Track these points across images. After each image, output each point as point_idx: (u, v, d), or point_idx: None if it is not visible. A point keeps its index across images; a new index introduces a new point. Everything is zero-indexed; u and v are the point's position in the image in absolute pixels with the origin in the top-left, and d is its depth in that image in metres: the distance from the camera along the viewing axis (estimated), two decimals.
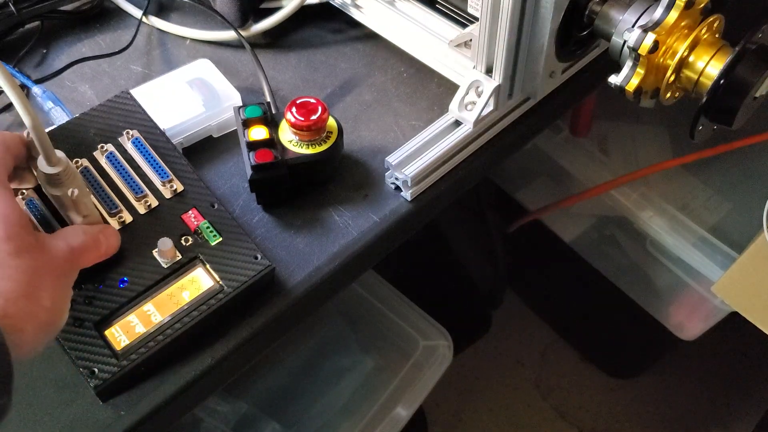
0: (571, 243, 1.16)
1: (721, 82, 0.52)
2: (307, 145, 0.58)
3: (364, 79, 0.69)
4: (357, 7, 0.69)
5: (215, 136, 0.64)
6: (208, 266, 0.52)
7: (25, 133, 0.46)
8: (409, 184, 0.59)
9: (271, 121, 0.59)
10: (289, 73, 0.69)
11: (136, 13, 0.72)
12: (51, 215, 0.50)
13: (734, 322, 0.92)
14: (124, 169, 0.55)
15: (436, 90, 0.68)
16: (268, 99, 0.64)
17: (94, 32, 0.72)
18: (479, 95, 0.60)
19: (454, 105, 0.61)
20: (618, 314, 1.22)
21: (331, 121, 0.59)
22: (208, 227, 0.54)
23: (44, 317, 0.42)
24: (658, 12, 0.52)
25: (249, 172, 0.57)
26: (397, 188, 0.61)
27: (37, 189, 0.50)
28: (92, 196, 0.52)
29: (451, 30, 0.64)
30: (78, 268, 0.46)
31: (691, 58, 0.53)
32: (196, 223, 0.54)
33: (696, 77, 0.54)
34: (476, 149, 0.63)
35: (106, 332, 0.50)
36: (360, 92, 0.68)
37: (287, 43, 0.71)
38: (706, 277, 0.96)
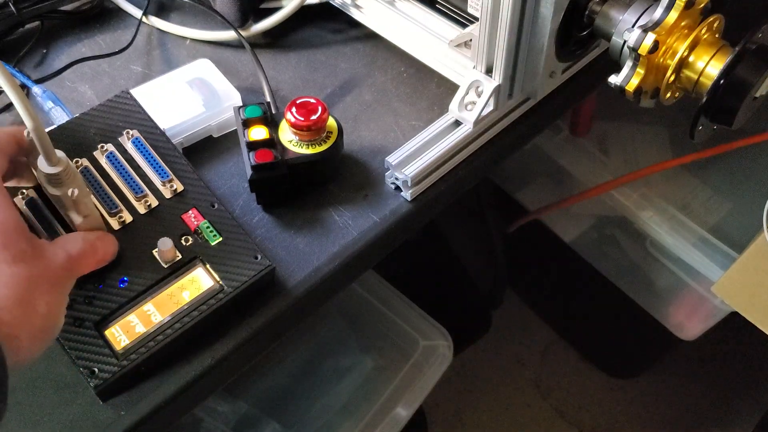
0: (571, 243, 1.16)
1: (721, 82, 0.52)
2: (307, 145, 0.58)
3: (364, 79, 0.69)
4: (357, 7, 0.69)
5: (215, 136, 0.64)
6: (208, 266, 0.52)
7: (25, 133, 0.45)
8: (409, 184, 0.59)
9: (271, 121, 0.59)
10: (289, 73, 0.69)
11: (136, 13, 0.72)
12: (51, 215, 0.51)
13: (734, 322, 0.92)
14: (124, 168, 0.55)
15: (436, 90, 0.68)
16: (268, 99, 0.64)
17: (94, 32, 0.72)
18: (479, 95, 0.60)
19: (454, 105, 0.61)
20: (618, 314, 1.22)
21: (331, 121, 0.59)
22: (208, 227, 0.54)
23: (40, 324, 0.42)
24: (658, 12, 0.52)
25: (249, 172, 0.57)
26: (397, 188, 0.61)
27: (37, 189, 0.51)
28: (92, 196, 0.52)
29: (451, 30, 0.64)
30: (75, 276, 0.46)
31: (691, 58, 0.53)
32: (196, 223, 0.54)
33: (696, 77, 0.54)
34: (476, 149, 0.63)
35: (106, 332, 0.50)
36: (360, 92, 0.68)
37: (287, 43, 0.71)
38: (706, 277, 0.96)
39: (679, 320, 1.09)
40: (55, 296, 0.43)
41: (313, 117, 0.57)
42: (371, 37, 0.71)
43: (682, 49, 0.53)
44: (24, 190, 0.52)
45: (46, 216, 0.51)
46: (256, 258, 0.53)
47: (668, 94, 0.56)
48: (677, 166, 1.01)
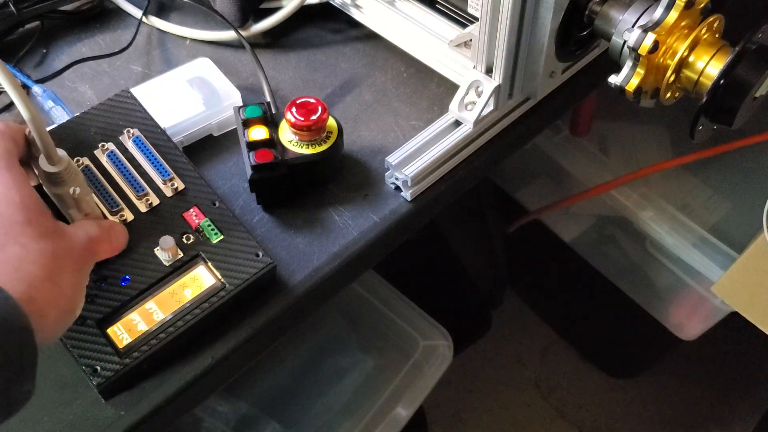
0: (571, 243, 1.16)
1: (721, 82, 0.52)
2: (307, 145, 0.58)
3: (364, 79, 0.69)
4: (357, 7, 0.69)
5: (215, 134, 0.64)
6: (209, 264, 0.52)
7: (26, 132, 0.46)
8: (409, 184, 0.59)
9: (271, 121, 0.59)
10: (289, 73, 0.69)
11: (136, 13, 0.72)
12: (54, 215, 0.51)
13: (734, 322, 0.92)
14: (125, 167, 0.55)
15: (436, 90, 0.68)
16: (268, 99, 0.64)
17: (94, 32, 0.72)
18: (479, 95, 0.60)
19: (454, 105, 0.61)
20: (618, 314, 1.22)
21: (331, 121, 0.59)
22: (209, 225, 0.54)
23: (65, 303, 0.42)
24: (658, 12, 0.52)
25: (249, 172, 0.57)
26: (397, 188, 0.61)
27: (38, 188, 0.51)
28: (93, 194, 0.53)
29: (451, 30, 0.64)
30: (94, 259, 0.47)
31: (691, 58, 0.53)
32: (197, 221, 0.54)
33: (696, 77, 0.54)
34: (476, 149, 0.63)
35: (109, 330, 0.50)
36: (360, 92, 0.68)
37: (287, 43, 0.72)
38: (706, 277, 0.96)
39: (679, 320, 1.09)
40: (77, 276, 0.43)
41: (313, 117, 0.57)
42: (371, 37, 0.71)
43: (682, 49, 0.53)
44: None
45: None
46: (258, 255, 0.53)
47: (668, 94, 0.56)
48: (677, 166, 1.01)
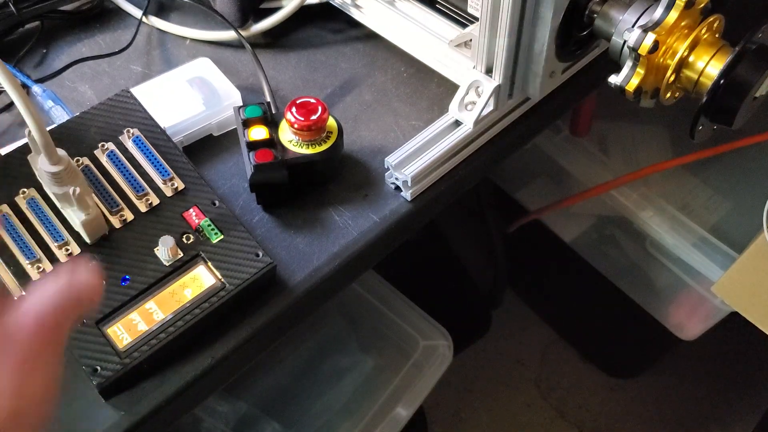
0: (571, 243, 1.16)
1: (721, 82, 0.52)
2: (307, 145, 0.58)
3: (364, 79, 0.69)
4: (357, 7, 0.69)
5: (215, 134, 0.64)
6: (209, 264, 0.52)
7: (26, 132, 0.46)
8: (409, 184, 0.59)
9: (271, 121, 0.59)
10: (289, 73, 0.69)
11: (136, 13, 0.72)
12: (53, 214, 0.51)
13: (734, 322, 0.92)
14: (125, 167, 0.55)
15: (436, 90, 0.68)
16: (268, 99, 0.64)
17: (94, 32, 0.72)
18: (479, 95, 0.60)
19: (454, 105, 0.61)
20: (618, 314, 1.22)
21: (331, 121, 0.59)
22: (209, 225, 0.54)
23: (6, 407, 0.31)
24: (658, 12, 0.52)
25: (249, 172, 0.57)
26: (397, 188, 0.61)
27: (38, 188, 0.51)
28: (93, 194, 0.53)
29: (451, 30, 0.64)
30: (61, 332, 0.34)
31: (691, 58, 0.53)
32: (197, 221, 0.54)
33: (696, 77, 0.54)
34: (476, 149, 0.63)
35: (108, 330, 0.50)
36: (360, 92, 0.68)
37: (287, 43, 0.72)
38: (706, 277, 0.96)
39: (679, 320, 1.09)
40: (28, 372, 0.32)
41: (313, 117, 0.57)
42: (371, 37, 0.71)
43: (682, 49, 0.53)
44: (24, 190, 0.52)
45: (48, 216, 0.51)
46: (258, 255, 0.53)
47: (668, 94, 0.56)
48: (677, 166, 1.01)
